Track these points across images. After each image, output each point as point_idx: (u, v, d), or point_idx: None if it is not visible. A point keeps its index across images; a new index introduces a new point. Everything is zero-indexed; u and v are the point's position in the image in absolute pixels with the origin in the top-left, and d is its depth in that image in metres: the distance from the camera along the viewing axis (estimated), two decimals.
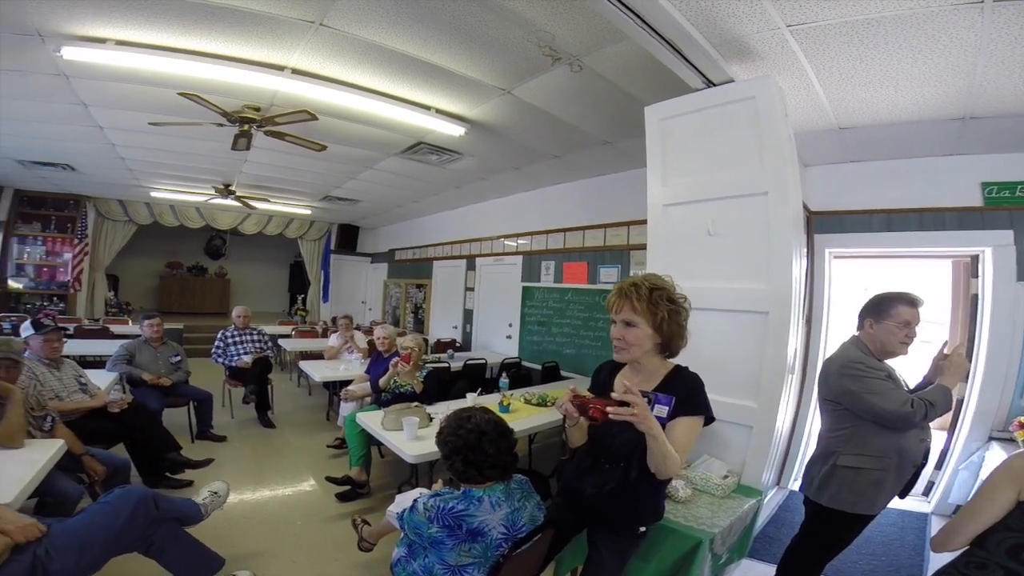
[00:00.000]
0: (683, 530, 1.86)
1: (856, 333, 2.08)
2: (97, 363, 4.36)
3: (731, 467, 2.30)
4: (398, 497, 2.20)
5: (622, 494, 1.59)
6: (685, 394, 1.50)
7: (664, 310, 1.50)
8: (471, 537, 1.53)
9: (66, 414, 2.77)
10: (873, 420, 1.89)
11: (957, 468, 3.16)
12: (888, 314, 1.95)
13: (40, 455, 2.08)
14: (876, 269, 4.33)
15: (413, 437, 2.77)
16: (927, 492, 3.43)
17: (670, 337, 1.54)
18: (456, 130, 3.76)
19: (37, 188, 7.56)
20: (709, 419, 1.55)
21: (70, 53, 2.71)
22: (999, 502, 1.18)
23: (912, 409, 1.81)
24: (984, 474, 2.80)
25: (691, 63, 2.11)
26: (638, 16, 1.80)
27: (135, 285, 10.50)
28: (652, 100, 2.69)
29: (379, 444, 3.31)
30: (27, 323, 3.29)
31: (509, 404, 3.46)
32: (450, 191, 6.40)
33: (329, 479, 3.31)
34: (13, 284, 7.67)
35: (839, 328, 3.63)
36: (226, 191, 6.65)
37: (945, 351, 2.00)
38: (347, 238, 10.52)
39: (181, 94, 3.08)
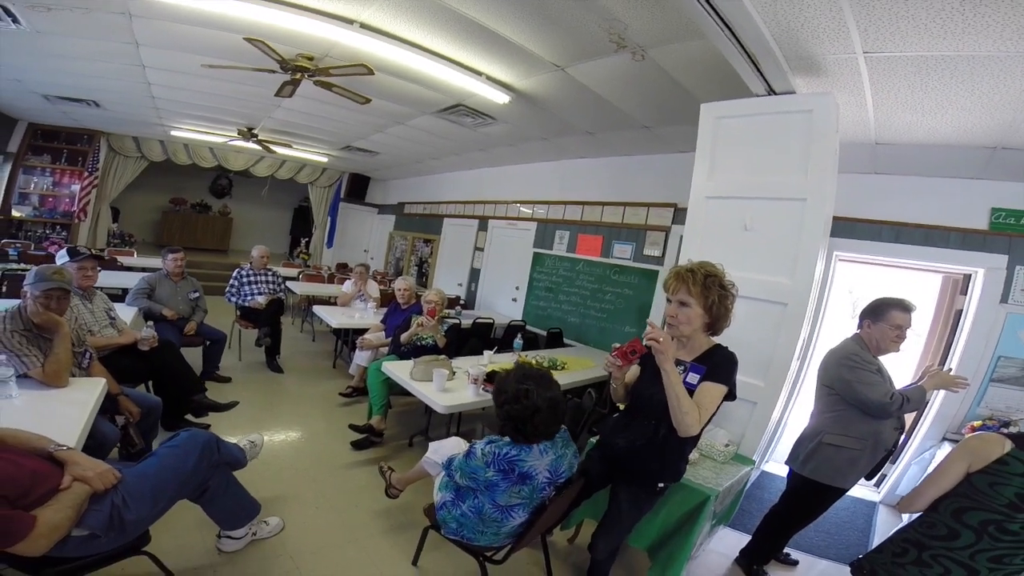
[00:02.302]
0: (693, 486, 2.12)
1: (857, 331, 2.36)
2: (108, 295, 4.26)
3: (732, 437, 2.56)
4: (433, 445, 2.35)
5: (649, 449, 1.82)
6: (714, 365, 1.74)
7: (715, 294, 1.74)
8: (521, 480, 1.72)
9: (99, 350, 2.67)
10: (857, 406, 2.20)
11: (910, 463, 3.49)
12: (883, 317, 2.25)
13: (86, 395, 2.01)
14: (865, 273, 4.59)
15: (442, 388, 2.92)
16: (878, 483, 3.73)
17: (717, 318, 1.78)
18: (501, 97, 3.83)
19: (54, 122, 7.43)
20: (732, 394, 1.76)
21: None
22: (953, 473, 1.46)
23: (890, 400, 2.11)
24: (931, 469, 3.17)
25: (760, 71, 2.25)
26: (724, 22, 1.93)
27: (137, 218, 10.40)
28: (704, 97, 2.83)
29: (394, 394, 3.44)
30: (63, 251, 3.20)
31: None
32: (473, 152, 6.45)
33: (352, 427, 3.42)
34: (16, 212, 7.60)
35: (831, 323, 3.93)
36: (249, 134, 6.58)
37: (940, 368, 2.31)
38: (357, 187, 10.51)
39: (248, 39, 3.09)
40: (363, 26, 2.98)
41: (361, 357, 4.40)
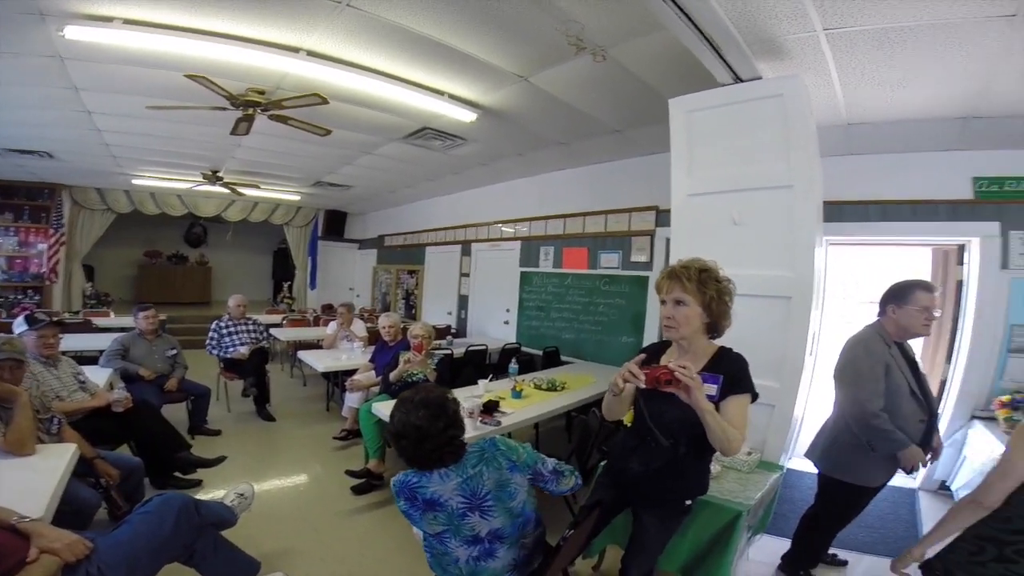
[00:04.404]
0: (720, 503, 1.96)
1: (879, 318, 2.22)
2: (84, 359, 4.11)
3: (753, 444, 2.41)
4: None
5: (669, 470, 1.66)
6: (733, 374, 1.59)
7: (712, 290, 1.60)
8: (429, 507, 1.56)
9: (69, 415, 2.65)
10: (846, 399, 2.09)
11: (942, 445, 3.37)
12: (909, 299, 2.11)
13: (56, 461, 1.97)
14: (848, 255, 4.51)
15: None
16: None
17: (718, 317, 1.63)
18: (467, 116, 3.74)
19: (9, 176, 7.19)
20: (754, 396, 1.62)
21: (73, 32, 2.59)
22: (1020, 463, 1.32)
23: (875, 413, 2.00)
24: (968, 451, 3.01)
25: (723, 59, 2.17)
26: (680, 9, 1.85)
27: (112, 275, 10.14)
28: (670, 92, 2.75)
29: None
30: (20, 319, 3.16)
31: (521, 390, 3.51)
32: (447, 176, 6.37)
33: (349, 472, 3.27)
34: None
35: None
36: (214, 177, 6.47)
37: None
38: (334, 224, 10.36)
39: (188, 76, 2.98)
40: (310, 53, 2.89)
41: (352, 399, 4.26)
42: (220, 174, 6.50)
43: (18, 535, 1.44)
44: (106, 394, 3.03)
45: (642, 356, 1.64)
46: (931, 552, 1.51)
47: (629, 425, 1.90)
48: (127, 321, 6.37)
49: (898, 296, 2.14)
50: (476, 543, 1.57)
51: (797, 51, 2.24)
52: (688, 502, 1.76)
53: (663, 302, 1.67)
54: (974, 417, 3.20)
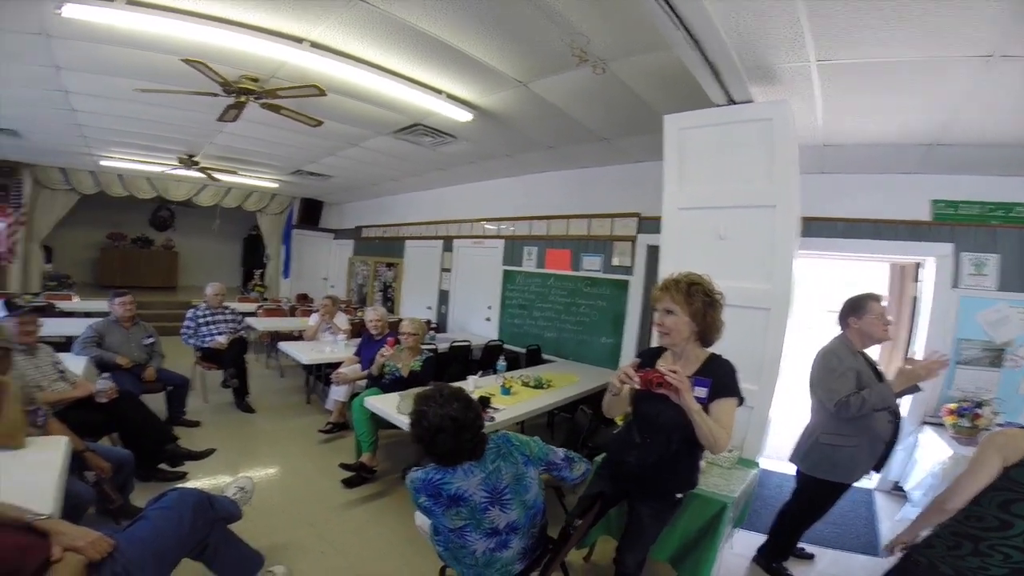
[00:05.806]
0: (708, 496, 2.12)
1: (843, 331, 2.42)
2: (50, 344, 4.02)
3: (733, 442, 2.55)
4: None
5: (663, 465, 1.81)
6: (721, 379, 1.74)
7: (699, 301, 1.75)
8: (453, 502, 1.63)
9: (52, 406, 2.56)
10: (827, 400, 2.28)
11: (896, 449, 3.65)
12: (866, 310, 2.34)
13: (51, 455, 1.91)
14: (814, 266, 4.77)
15: None
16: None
17: (706, 327, 1.78)
18: (463, 115, 3.78)
19: None
20: (740, 400, 1.78)
21: (72, 11, 2.49)
22: (989, 468, 1.51)
23: (844, 403, 2.19)
24: (919, 454, 3.27)
25: (721, 81, 2.31)
26: (690, 34, 1.97)
27: (71, 256, 9.68)
28: (661, 108, 2.90)
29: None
30: None
31: (511, 387, 3.61)
32: (432, 172, 6.37)
33: (343, 466, 3.29)
34: None
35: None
36: (190, 162, 6.27)
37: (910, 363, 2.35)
38: (310, 213, 10.14)
39: (186, 61, 2.92)
40: (314, 45, 2.87)
41: (338, 392, 4.28)
42: (197, 159, 6.31)
43: (36, 534, 1.39)
44: (89, 384, 2.95)
45: (637, 360, 1.79)
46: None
47: (624, 422, 2.03)
48: (91, 305, 6.20)
49: (856, 309, 2.37)
50: (494, 535, 1.67)
51: (788, 78, 2.40)
52: (679, 495, 1.90)
53: (655, 310, 1.82)
54: (925, 423, 3.46)
